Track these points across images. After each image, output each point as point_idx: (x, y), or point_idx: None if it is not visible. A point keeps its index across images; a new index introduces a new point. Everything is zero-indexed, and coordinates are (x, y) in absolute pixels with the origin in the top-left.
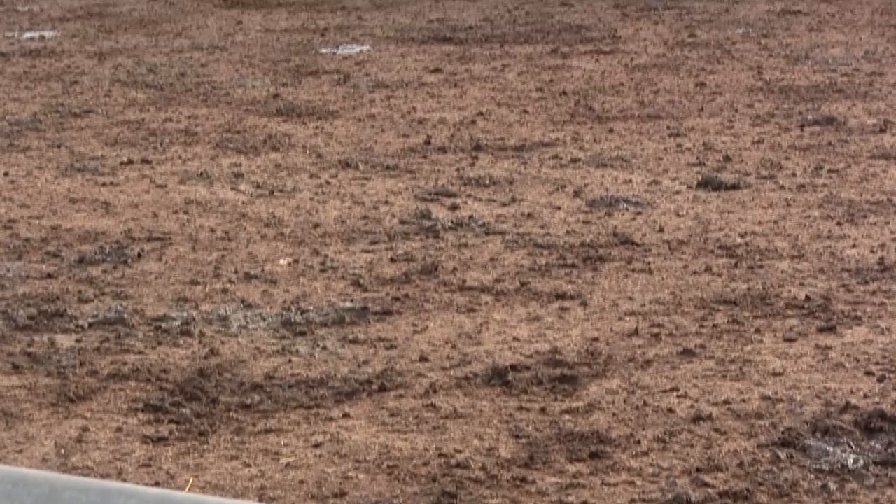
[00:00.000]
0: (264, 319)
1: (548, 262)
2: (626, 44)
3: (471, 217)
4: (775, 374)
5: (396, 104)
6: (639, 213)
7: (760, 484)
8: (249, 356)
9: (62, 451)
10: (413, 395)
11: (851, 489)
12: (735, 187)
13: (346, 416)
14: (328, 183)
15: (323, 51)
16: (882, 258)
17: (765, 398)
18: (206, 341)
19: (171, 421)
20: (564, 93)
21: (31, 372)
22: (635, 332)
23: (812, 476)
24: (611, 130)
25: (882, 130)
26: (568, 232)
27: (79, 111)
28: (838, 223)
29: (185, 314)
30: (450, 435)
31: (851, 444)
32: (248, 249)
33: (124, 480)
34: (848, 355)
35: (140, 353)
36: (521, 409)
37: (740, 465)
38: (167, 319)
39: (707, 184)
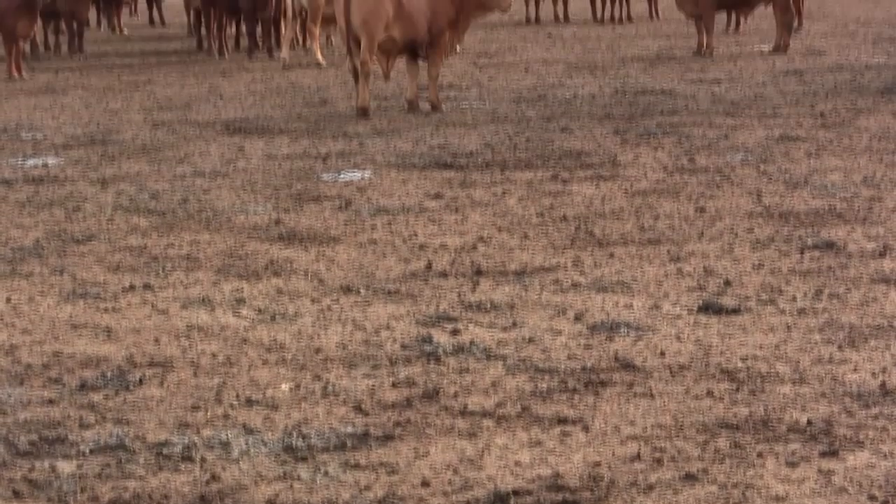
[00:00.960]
0: (266, 445)
1: (549, 386)
2: (625, 169)
3: (472, 342)
4: (778, 499)
5: (398, 229)
6: (640, 338)
7: None
8: (251, 482)
9: None
10: None
11: None
12: (736, 312)
13: None
14: (330, 308)
15: (324, 177)
16: (884, 382)
17: None
18: (207, 467)
19: None
20: (565, 218)
21: (32, 498)
22: (637, 457)
23: None
24: (611, 255)
25: (882, 255)
26: (569, 356)
27: (81, 237)
28: (839, 347)
29: (186, 439)
30: None
31: None
32: (250, 374)
33: None
34: (851, 480)
35: (141, 478)
36: None
37: None
38: (169, 445)
39: (708, 308)
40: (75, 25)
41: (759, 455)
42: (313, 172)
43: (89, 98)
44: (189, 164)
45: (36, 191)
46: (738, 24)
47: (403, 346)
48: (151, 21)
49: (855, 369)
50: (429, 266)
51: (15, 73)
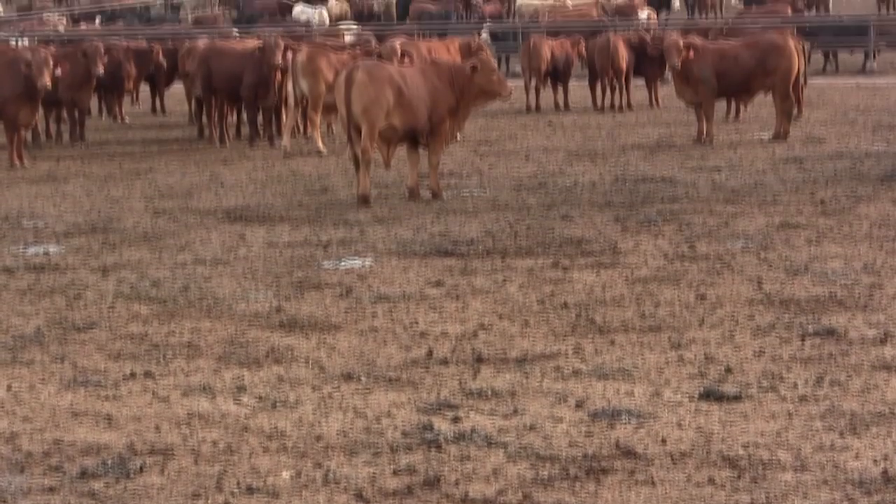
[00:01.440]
0: None
1: (551, 474)
2: (626, 257)
3: (473, 429)
4: None
5: (399, 317)
6: (641, 425)
7: None
8: None
9: None
10: None
11: None
12: (737, 399)
13: None
14: (330, 396)
15: (325, 264)
16: (885, 470)
17: None
18: None
19: None
20: (566, 305)
21: None
22: None
23: None
24: (612, 342)
25: (883, 342)
26: (570, 444)
27: (82, 325)
28: (841, 434)
29: None
30: None
31: None
32: (251, 462)
33: None
34: None
35: None
36: None
37: None
38: None
39: (709, 395)
40: (77, 113)
41: None
42: (314, 260)
43: (90, 186)
44: (190, 252)
45: (37, 279)
46: (737, 111)
47: (404, 434)
48: (154, 110)
49: (857, 456)
50: (430, 353)
51: (16, 162)
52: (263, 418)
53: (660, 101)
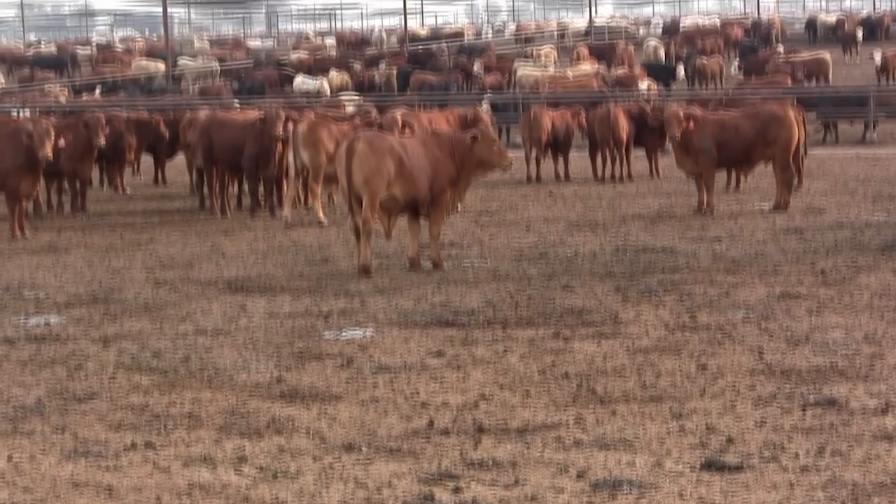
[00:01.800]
0: None
1: None
2: (627, 327)
3: (474, 500)
4: None
5: (399, 387)
6: (643, 496)
7: None
8: None
9: None
10: None
11: None
12: (738, 469)
13: None
14: (332, 466)
15: (326, 335)
16: None
17: None
18: None
19: None
20: (567, 375)
21: None
22: None
23: None
24: (613, 413)
25: (884, 412)
26: None
27: (83, 396)
28: None
29: None
30: None
31: None
32: None
33: None
34: None
35: None
36: None
37: None
38: None
39: (710, 465)
40: (78, 184)
41: None
42: (315, 330)
43: (92, 257)
44: (191, 323)
45: (38, 349)
46: (738, 182)
47: None
48: (156, 181)
49: None
50: (431, 424)
51: (18, 233)
52: (265, 489)
53: (660, 171)
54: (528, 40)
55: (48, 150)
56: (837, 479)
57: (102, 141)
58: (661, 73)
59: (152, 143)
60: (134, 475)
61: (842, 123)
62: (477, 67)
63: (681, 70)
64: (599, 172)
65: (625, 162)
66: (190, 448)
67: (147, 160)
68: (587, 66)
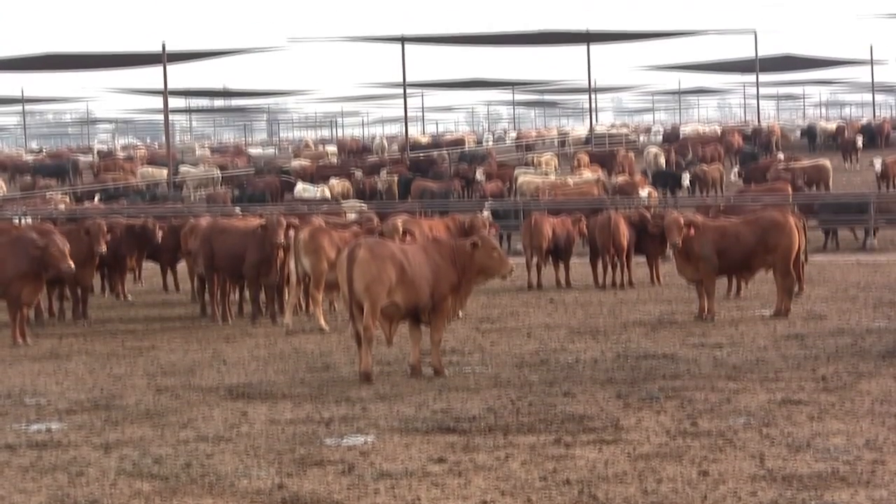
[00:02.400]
0: None
1: None
2: (628, 433)
3: None
4: None
5: (401, 493)
6: None
7: None
8: None
9: None
10: None
11: None
12: None
13: None
14: None
15: (328, 441)
16: None
17: None
18: None
19: None
20: (568, 482)
21: None
22: None
23: None
24: None
25: None
26: None
27: (84, 502)
28: None
29: None
30: None
31: None
32: None
33: None
34: None
35: None
36: None
37: None
38: None
39: None
40: (79, 291)
41: None
42: (316, 437)
43: (93, 363)
44: (192, 429)
45: (39, 456)
46: (738, 288)
47: None
48: (165, 287)
49: None
50: None
51: (19, 339)
52: None
53: (661, 278)
54: (529, 147)
55: (70, 263)
56: None
57: (104, 248)
58: (668, 180)
59: (154, 250)
60: None
61: (842, 230)
62: (479, 175)
63: (686, 177)
64: (600, 279)
65: (625, 269)
66: None
67: (148, 267)
68: (588, 174)
